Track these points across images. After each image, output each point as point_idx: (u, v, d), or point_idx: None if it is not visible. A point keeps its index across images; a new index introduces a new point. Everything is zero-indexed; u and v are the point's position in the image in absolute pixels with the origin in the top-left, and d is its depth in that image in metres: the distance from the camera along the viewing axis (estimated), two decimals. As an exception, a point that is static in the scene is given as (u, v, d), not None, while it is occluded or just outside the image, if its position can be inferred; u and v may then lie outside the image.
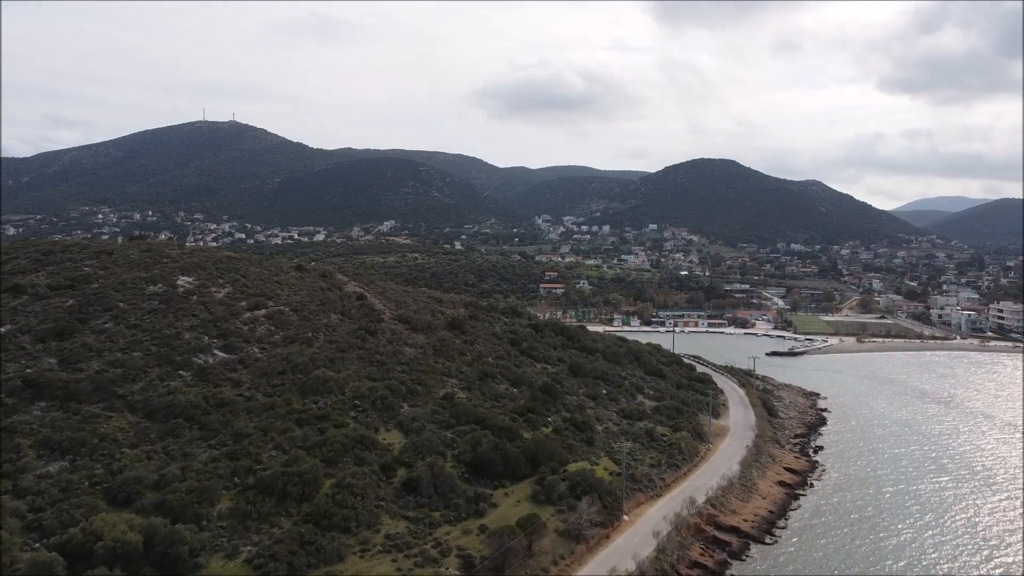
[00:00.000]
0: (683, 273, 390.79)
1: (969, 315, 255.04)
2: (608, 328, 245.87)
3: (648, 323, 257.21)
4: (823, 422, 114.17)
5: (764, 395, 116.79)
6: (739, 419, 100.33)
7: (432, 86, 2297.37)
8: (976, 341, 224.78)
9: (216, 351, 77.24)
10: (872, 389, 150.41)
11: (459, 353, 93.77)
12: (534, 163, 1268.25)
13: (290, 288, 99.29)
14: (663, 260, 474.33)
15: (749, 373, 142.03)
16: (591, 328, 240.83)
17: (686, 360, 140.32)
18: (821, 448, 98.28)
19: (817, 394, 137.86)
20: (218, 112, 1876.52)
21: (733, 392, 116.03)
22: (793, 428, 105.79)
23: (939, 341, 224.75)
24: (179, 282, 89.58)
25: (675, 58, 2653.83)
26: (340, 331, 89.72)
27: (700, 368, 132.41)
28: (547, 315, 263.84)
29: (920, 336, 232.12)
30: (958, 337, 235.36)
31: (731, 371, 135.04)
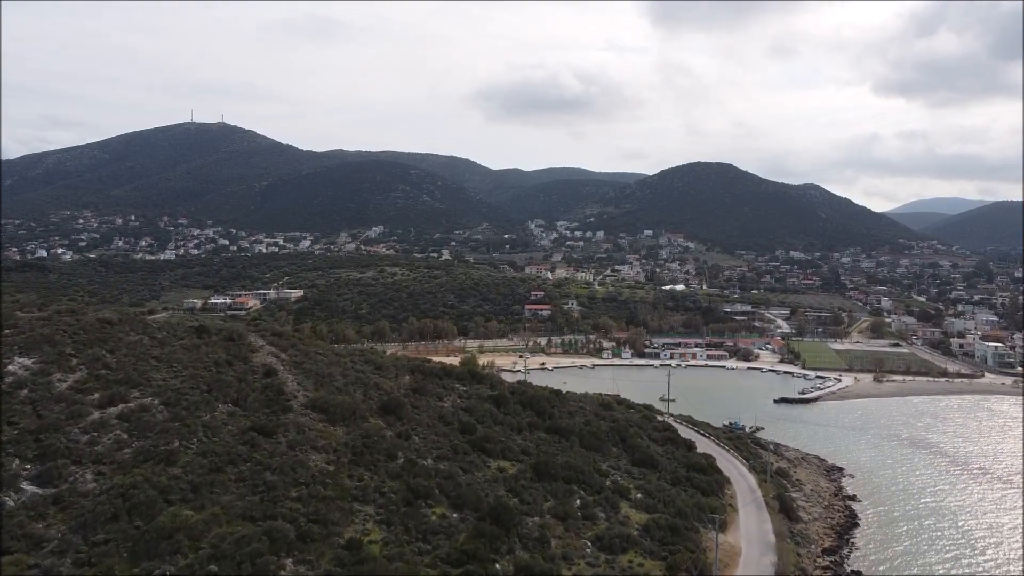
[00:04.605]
0: (679, 288, 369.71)
1: (995, 347, 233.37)
2: (597, 361, 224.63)
3: (641, 355, 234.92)
4: (854, 521, 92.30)
5: (780, 487, 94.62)
6: (752, 531, 78.35)
7: (428, 87, 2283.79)
8: (1008, 381, 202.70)
9: (25, 484, 55.01)
10: (901, 457, 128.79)
11: (386, 457, 71.48)
12: (528, 165, 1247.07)
13: (173, 365, 76.94)
14: (658, 271, 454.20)
15: (757, 440, 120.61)
16: (578, 363, 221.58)
17: (682, 426, 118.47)
18: (859, 574, 76.09)
19: (840, 469, 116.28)
20: (214, 113, 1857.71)
21: (742, 480, 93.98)
22: (820, 538, 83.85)
23: (966, 381, 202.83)
24: (11, 367, 67.21)
25: (672, 60, 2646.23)
26: (223, 434, 67.24)
27: (699, 440, 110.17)
28: (530, 344, 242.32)
29: (944, 373, 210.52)
30: (985, 374, 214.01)
31: (737, 443, 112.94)
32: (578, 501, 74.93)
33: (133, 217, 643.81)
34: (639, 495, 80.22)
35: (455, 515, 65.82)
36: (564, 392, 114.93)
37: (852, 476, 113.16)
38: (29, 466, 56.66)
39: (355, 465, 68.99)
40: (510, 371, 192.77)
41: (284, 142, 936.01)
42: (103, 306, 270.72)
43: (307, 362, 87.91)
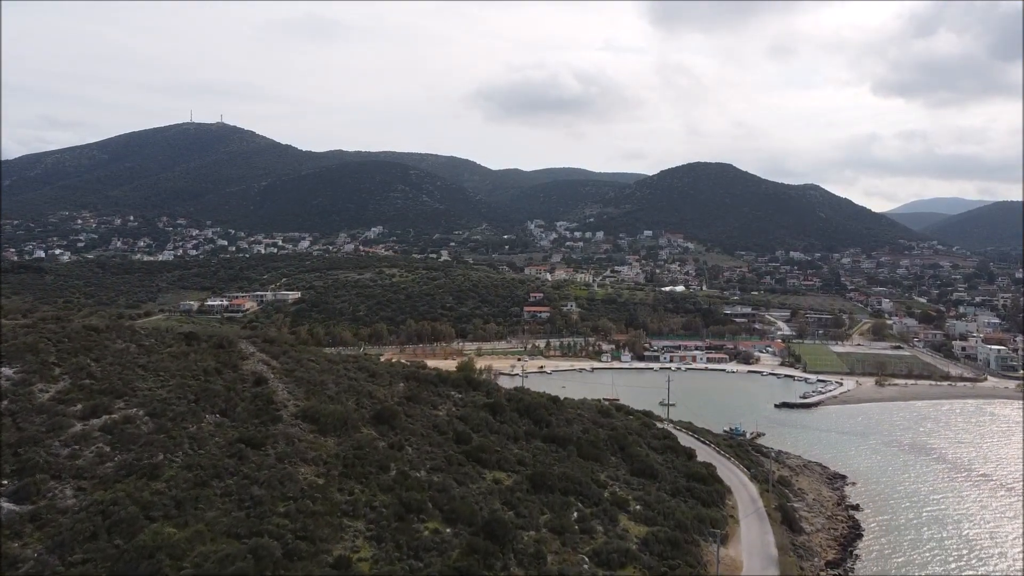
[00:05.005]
0: (679, 289, 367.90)
1: (998, 350, 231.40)
2: (596, 364, 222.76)
3: (640, 357, 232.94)
4: (858, 531, 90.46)
5: (782, 497, 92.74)
6: (754, 544, 76.47)
7: (427, 87, 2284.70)
8: (1011, 384, 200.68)
9: (2, 501, 52.89)
10: (903, 463, 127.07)
11: (378, 469, 69.56)
12: (528, 165, 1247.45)
13: (160, 374, 75.07)
14: (658, 272, 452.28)
15: (758, 448, 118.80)
16: (577, 366, 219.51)
17: (682, 433, 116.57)
18: (863, 589, 74.37)
19: (843, 477, 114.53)
20: (213, 113, 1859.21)
21: (743, 490, 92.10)
22: (823, 550, 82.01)
23: (969, 385, 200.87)
24: (-9, 377, 65.22)
25: (671, 60, 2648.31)
26: (210, 446, 65.34)
27: (700, 448, 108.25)
28: (528, 347, 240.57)
29: (947, 377, 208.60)
30: (988, 377, 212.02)
31: (738, 451, 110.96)
32: (575, 514, 73.07)
33: (132, 218, 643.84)
34: (638, 507, 78.38)
35: (448, 530, 63.88)
36: (562, 399, 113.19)
37: (854, 484, 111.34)
38: (6, 481, 54.72)
39: (345, 478, 67.06)
40: (508, 374, 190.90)
41: (283, 142, 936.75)
42: (99, 308, 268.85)
43: (299, 370, 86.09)
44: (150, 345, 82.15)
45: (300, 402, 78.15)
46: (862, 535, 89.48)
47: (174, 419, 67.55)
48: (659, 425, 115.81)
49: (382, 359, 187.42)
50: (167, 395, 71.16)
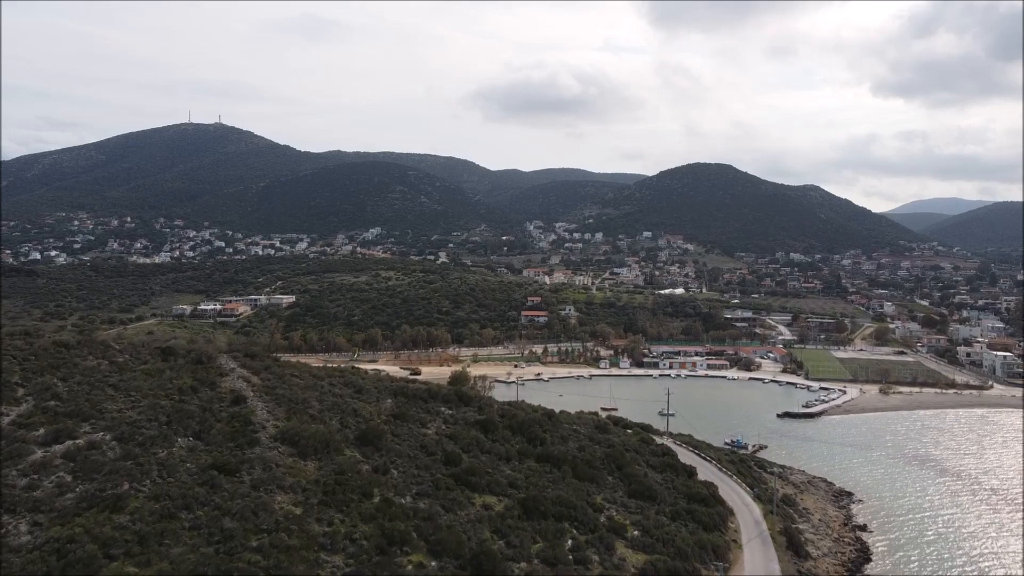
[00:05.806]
0: (679, 292, 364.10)
1: (1004, 357, 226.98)
2: (594, 371, 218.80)
3: (640, 364, 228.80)
4: (866, 555, 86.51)
5: (787, 518, 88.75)
6: (758, 572, 72.64)
7: (426, 88, 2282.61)
8: (1018, 392, 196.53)
9: (-51, 539, 48.89)
10: (910, 478, 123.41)
11: (361, 496, 65.58)
12: (527, 166, 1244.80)
13: (132, 394, 71.22)
14: (657, 274, 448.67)
15: (761, 463, 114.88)
16: (575, 373, 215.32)
17: (682, 449, 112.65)
18: (873, 622, 70.50)
19: (850, 494, 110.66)
20: (211, 113, 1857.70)
21: (745, 511, 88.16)
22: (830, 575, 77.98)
23: (975, 393, 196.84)
24: (-51, 400, 61.32)
25: (671, 61, 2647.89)
26: (180, 473, 61.40)
27: (700, 464, 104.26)
28: (526, 353, 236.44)
29: (952, 384, 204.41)
30: (994, 384, 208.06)
31: (740, 467, 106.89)
32: (570, 542, 69.17)
33: (129, 219, 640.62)
34: (636, 532, 74.54)
35: (433, 563, 59.92)
36: (558, 411, 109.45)
37: (861, 501, 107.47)
38: (-45, 518, 50.87)
39: (325, 506, 63.06)
40: (504, 382, 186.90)
41: (282, 143, 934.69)
42: (90, 312, 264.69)
43: (280, 386, 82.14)
44: (123, 362, 78.27)
45: (280, 422, 74.29)
46: (871, 559, 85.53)
47: (143, 444, 63.62)
48: (658, 440, 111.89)
49: (375, 366, 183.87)
50: (137, 417, 67.28)
